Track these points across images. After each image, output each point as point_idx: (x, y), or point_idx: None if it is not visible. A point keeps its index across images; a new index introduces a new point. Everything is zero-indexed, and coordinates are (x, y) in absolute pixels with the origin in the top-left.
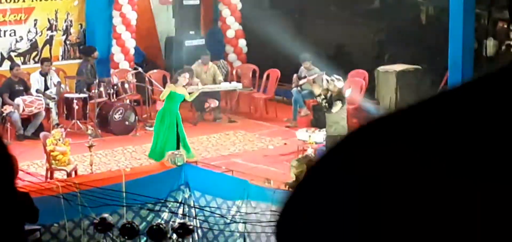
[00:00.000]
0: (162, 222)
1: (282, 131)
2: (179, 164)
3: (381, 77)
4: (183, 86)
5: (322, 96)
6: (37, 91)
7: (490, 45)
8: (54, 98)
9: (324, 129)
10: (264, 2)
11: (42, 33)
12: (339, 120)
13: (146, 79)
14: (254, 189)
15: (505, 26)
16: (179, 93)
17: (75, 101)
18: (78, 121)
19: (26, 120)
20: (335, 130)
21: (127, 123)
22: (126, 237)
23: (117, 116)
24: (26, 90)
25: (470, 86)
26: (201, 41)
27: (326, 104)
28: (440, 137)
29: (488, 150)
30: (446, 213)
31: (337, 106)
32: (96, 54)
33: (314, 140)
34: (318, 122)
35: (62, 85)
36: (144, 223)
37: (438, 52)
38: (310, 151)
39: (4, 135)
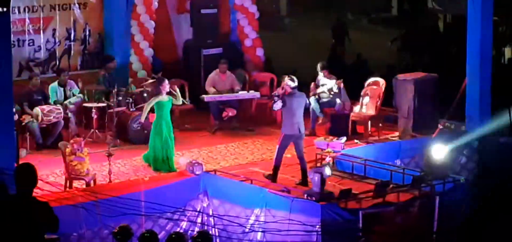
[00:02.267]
0: (181, 231)
1: None
2: (197, 172)
3: (399, 85)
4: (167, 93)
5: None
6: (55, 102)
7: (508, 52)
8: (73, 110)
9: (342, 138)
10: (281, 10)
11: (60, 43)
12: (286, 120)
13: None
14: (272, 198)
15: None
16: (165, 100)
17: (93, 110)
18: (96, 131)
19: (45, 130)
20: (290, 130)
21: (145, 132)
22: None
23: (135, 125)
24: (45, 99)
25: None
26: (218, 50)
27: (273, 101)
28: None
29: None
30: None
31: (277, 105)
32: (113, 63)
33: (333, 148)
34: (336, 130)
35: (80, 95)
36: (162, 232)
37: (456, 60)
38: (328, 160)
39: (24, 144)
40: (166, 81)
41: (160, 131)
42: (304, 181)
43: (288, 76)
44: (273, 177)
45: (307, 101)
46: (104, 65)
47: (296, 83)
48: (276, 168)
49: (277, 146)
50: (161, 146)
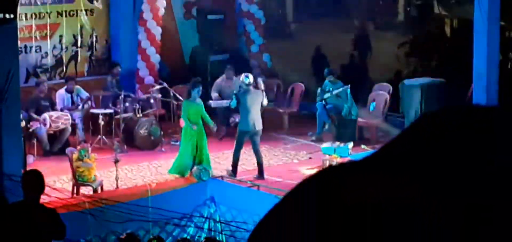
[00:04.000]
0: (188, 237)
1: (306, 145)
2: (204, 178)
3: (405, 90)
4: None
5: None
6: (62, 110)
7: None
8: (80, 116)
9: (349, 143)
10: (287, 16)
11: (67, 49)
12: (241, 117)
13: (171, 94)
14: None
15: None
16: (193, 105)
17: (100, 116)
18: (103, 137)
19: (53, 136)
20: (245, 126)
21: (152, 138)
22: None
23: (142, 131)
24: (52, 106)
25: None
26: (225, 56)
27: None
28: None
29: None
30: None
31: (233, 102)
32: (117, 69)
33: (339, 154)
34: (342, 136)
35: (89, 101)
36: (170, 238)
37: (463, 65)
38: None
39: (31, 151)
40: (199, 87)
41: (185, 136)
42: (261, 175)
43: (244, 74)
44: (233, 173)
45: (264, 98)
46: (110, 71)
47: (250, 80)
48: (234, 164)
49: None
50: (187, 151)
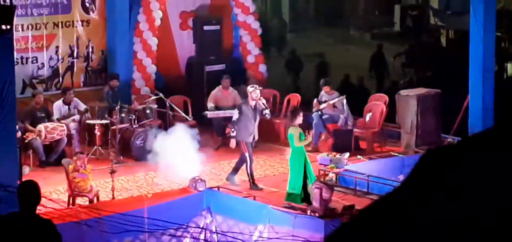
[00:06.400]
0: None
1: None
2: (200, 189)
3: (402, 100)
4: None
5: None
6: (58, 120)
7: (511, 67)
8: (76, 128)
9: (345, 153)
10: (284, 27)
11: (63, 60)
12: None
13: (167, 104)
14: (275, 214)
15: None
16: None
17: (96, 127)
18: (100, 147)
19: (48, 147)
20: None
21: (148, 148)
22: None
23: (138, 142)
24: (48, 117)
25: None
26: (221, 66)
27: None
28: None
29: None
30: None
31: (235, 114)
32: (115, 82)
33: (335, 164)
34: (339, 146)
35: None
36: None
37: (459, 75)
38: (331, 176)
39: (27, 161)
40: (300, 114)
41: (293, 165)
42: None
43: (251, 86)
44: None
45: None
46: (107, 82)
47: (254, 91)
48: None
49: None
50: (296, 180)
